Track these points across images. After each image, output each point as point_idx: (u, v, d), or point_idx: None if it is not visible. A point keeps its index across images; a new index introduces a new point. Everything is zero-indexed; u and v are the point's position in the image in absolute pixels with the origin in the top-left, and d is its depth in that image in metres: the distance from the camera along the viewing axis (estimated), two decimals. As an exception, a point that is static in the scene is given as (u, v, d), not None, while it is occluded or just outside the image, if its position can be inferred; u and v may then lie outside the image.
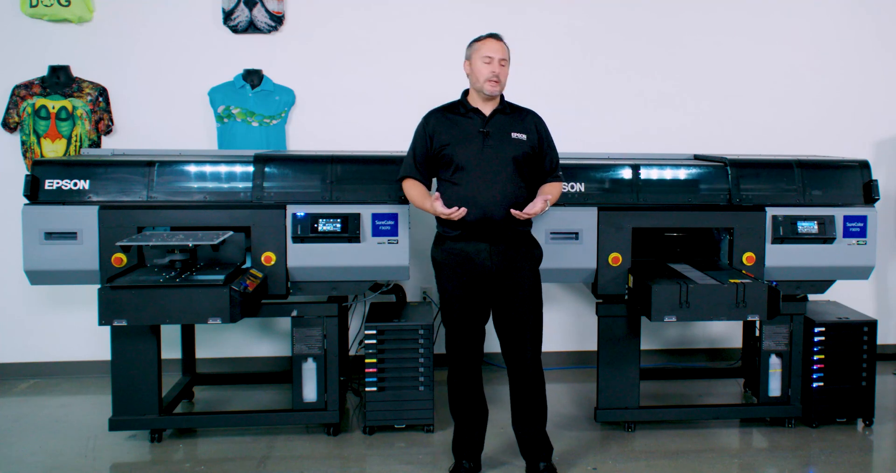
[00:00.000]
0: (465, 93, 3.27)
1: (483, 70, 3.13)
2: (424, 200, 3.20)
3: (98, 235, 3.47)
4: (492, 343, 3.52)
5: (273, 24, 4.46)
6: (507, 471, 3.40)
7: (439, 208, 3.06)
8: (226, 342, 4.60)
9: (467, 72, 3.22)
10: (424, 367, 3.68)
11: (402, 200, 3.59)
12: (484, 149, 3.14)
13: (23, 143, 4.36)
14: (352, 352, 4.45)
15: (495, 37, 3.19)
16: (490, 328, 3.29)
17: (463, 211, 3.03)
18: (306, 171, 3.67)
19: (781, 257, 3.72)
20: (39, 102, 4.32)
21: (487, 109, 3.21)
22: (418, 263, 4.49)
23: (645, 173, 3.78)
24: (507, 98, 3.32)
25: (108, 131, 4.42)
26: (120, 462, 3.45)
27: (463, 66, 3.24)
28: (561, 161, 3.79)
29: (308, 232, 3.53)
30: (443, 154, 3.17)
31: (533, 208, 3.07)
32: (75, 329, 4.50)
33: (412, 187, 3.27)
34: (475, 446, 3.32)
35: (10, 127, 4.34)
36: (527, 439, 3.28)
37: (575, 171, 3.71)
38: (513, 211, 3.05)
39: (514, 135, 3.18)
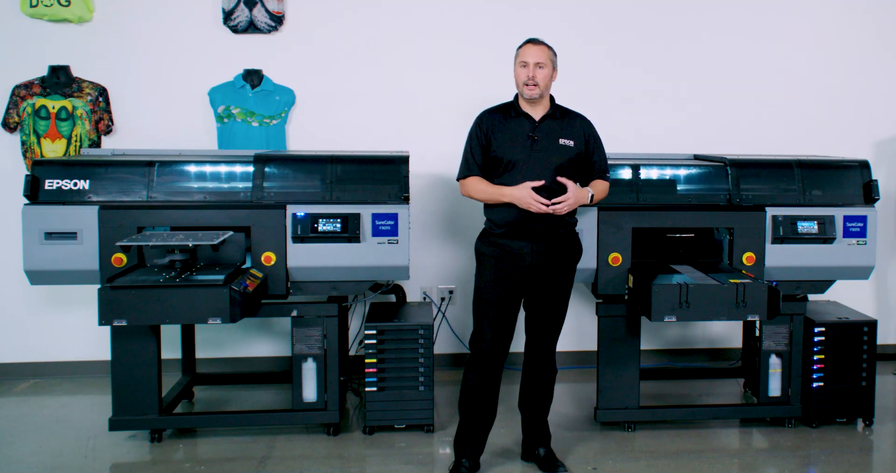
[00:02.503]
0: (517, 96, 3.32)
1: (520, 74, 3.23)
2: (498, 188, 3.18)
3: (98, 235, 3.47)
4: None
5: (273, 24, 4.46)
6: (504, 461, 3.44)
7: (527, 190, 3.09)
8: (226, 342, 4.60)
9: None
10: (424, 367, 3.68)
11: (403, 199, 3.60)
12: (531, 153, 3.20)
13: (23, 143, 4.36)
14: (352, 352, 4.45)
15: (533, 41, 3.26)
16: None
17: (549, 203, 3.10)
18: (306, 171, 3.67)
19: (781, 257, 3.72)
20: (39, 102, 4.32)
21: (537, 113, 3.27)
22: (418, 263, 4.49)
23: (645, 173, 3.78)
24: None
25: (108, 131, 4.42)
26: (120, 462, 3.45)
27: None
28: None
29: (308, 232, 3.53)
30: (493, 155, 3.23)
31: (559, 202, 3.13)
32: (75, 329, 4.50)
33: (479, 182, 3.25)
34: (477, 445, 3.34)
35: (10, 127, 4.34)
36: (530, 422, 3.40)
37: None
38: (550, 206, 3.12)
39: (561, 141, 3.24)
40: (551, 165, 3.20)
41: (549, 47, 3.27)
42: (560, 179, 3.17)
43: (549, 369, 3.39)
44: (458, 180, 3.33)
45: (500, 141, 3.22)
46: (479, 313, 3.28)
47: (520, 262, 3.20)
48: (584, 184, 3.34)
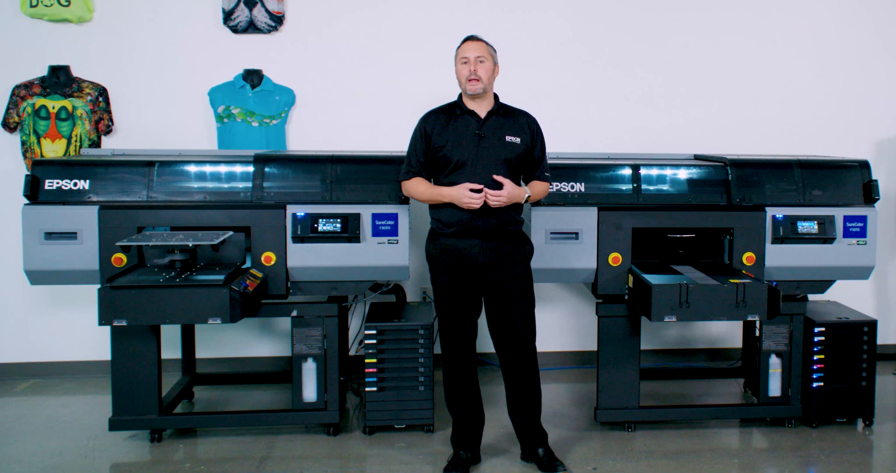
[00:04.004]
0: (461, 95, 3.33)
1: (462, 71, 3.25)
2: (437, 189, 3.22)
3: (98, 235, 3.47)
4: (489, 343, 3.52)
5: (273, 24, 4.46)
6: (504, 460, 3.44)
7: (464, 189, 3.11)
8: (226, 342, 4.60)
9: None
10: (424, 367, 3.68)
11: (403, 200, 3.60)
12: (479, 150, 3.21)
13: (23, 143, 4.36)
14: (352, 352, 4.45)
15: (471, 38, 3.28)
16: (483, 325, 3.36)
17: (484, 194, 3.12)
18: (306, 171, 3.67)
19: (781, 257, 3.72)
20: (39, 102, 4.32)
21: (482, 110, 3.27)
22: (418, 263, 4.49)
23: (645, 173, 3.78)
24: (507, 99, 3.37)
25: (108, 131, 4.42)
26: (120, 462, 3.45)
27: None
28: (562, 161, 3.81)
29: (308, 232, 3.53)
30: (440, 155, 3.24)
31: (499, 193, 3.13)
32: (75, 329, 4.50)
33: (420, 183, 3.29)
34: (473, 439, 3.38)
35: (10, 127, 4.34)
36: (523, 426, 3.39)
37: (575, 171, 3.71)
38: (487, 193, 3.12)
39: (508, 138, 3.25)
40: (499, 161, 3.21)
41: (488, 43, 3.28)
42: (497, 177, 3.16)
43: (530, 371, 3.34)
44: (399, 180, 3.38)
45: (447, 141, 3.23)
46: (442, 316, 3.32)
47: (471, 263, 3.21)
48: (526, 181, 3.34)
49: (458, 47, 3.28)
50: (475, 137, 3.22)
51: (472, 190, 3.12)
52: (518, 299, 3.27)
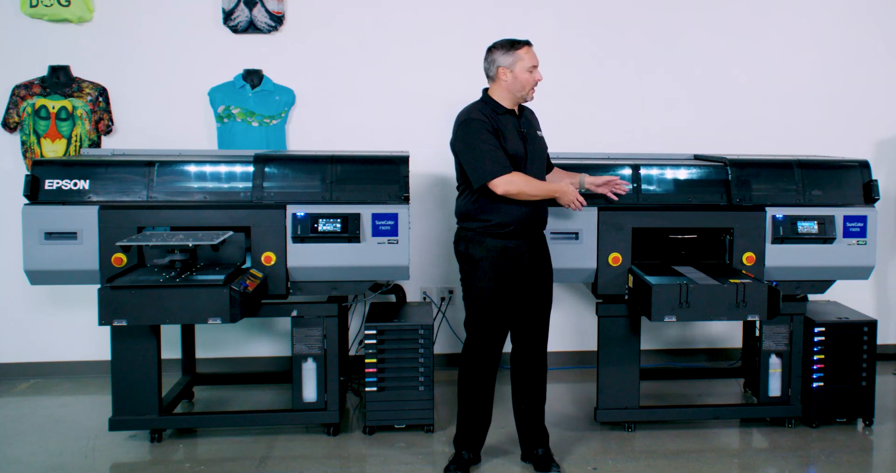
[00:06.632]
0: (486, 92, 3.27)
1: (529, 79, 3.20)
2: (544, 183, 3.25)
3: (98, 235, 3.48)
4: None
5: (273, 24, 4.46)
6: (504, 461, 3.44)
7: (572, 188, 3.29)
8: (226, 342, 4.60)
9: (504, 78, 3.18)
10: (424, 367, 3.68)
11: (403, 199, 3.60)
12: (527, 147, 3.24)
13: (23, 143, 4.36)
14: (352, 352, 4.45)
15: (531, 44, 3.25)
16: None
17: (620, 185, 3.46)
18: (306, 171, 3.68)
19: (781, 257, 3.72)
20: (39, 102, 4.32)
21: (515, 110, 3.31)
22: (418, 263, 4.49)
23: (645, 173, 3.78)
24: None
25: (108, 131, 4.42)
26: (120, 462, 3.45)
27: (498, 72, 3.18)
28: (562, 161, 3.82)
29: (308, 232, 3.53)
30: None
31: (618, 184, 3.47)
32: (75, 329, 4.50)
33: (520, 175, 3.13)
34: (476, 441, 3.38)
35: (10, 127, 4.34)
36: (527, 425, 3.38)
37: (575, 171, 3.70)
38: (618, 183, 3.47)
39: (538, 133, 3.34)
40: (542, 156, 3.34)
41: None
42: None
43: (543, 366, 3.38)
44: (490, 179, 3.09)
45: (506, 138, 3.18)
46: (480, 318, 3.24)
47: (517, 262, 3.21)
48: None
49: (519, 49, 3.17)
50: (519, 134, 3.24)
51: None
52: (547, 295, 3.34)
